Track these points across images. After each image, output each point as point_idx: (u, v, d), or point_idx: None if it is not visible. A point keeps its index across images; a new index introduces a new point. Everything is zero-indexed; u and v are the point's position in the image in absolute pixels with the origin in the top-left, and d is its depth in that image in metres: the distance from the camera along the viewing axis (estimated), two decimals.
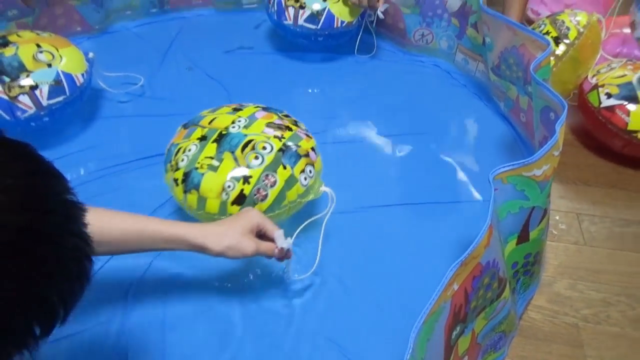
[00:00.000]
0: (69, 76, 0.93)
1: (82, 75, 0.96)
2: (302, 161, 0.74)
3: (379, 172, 0.96)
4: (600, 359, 0.72)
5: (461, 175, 0.96)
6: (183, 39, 1.33)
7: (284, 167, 0.72)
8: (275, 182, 0.71)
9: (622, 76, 0.98)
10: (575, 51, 0.98)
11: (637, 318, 0.77)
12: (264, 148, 0.73)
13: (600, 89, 0.99)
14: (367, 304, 0.74)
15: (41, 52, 0.91)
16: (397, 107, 1.12)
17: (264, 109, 0.82)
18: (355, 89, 1.18)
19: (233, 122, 0.76)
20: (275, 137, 0.75)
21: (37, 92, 0.88)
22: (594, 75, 1.02)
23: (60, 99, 0.91)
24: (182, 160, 0.73)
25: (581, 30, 0.99)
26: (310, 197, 0.75)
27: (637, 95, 0.95)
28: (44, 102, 0.89)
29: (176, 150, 0.75)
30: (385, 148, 1.02)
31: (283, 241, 0.66)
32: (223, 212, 0.71)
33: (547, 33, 1.01)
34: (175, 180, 0.73)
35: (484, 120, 1.08)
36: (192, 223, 0.64)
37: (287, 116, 0.82)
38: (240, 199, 0.70)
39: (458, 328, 0.58)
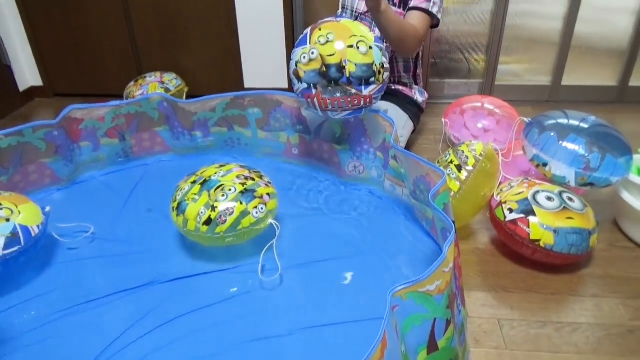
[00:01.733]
0: (25, 228, 1.04)
1: (38, 226, 1.07)
2: (256, 201, 1.09)
3: (313, 294, 1.05)
4: None
5: (375, 291, 1.04)
6: (145, 183, 1.48)
7: (241, 203, 1.07)
8: (232, 213, 1.05)
9: (520, 193, 1.14)
10: (477, 175, 1.14)
11: None
12: (230, 190, 1.08)
13: (503, 205, 1.14)
14: None
15: (1, 209, 1.04)
16: (334, 232, 1.24)
17: (241, 166, 1.17)
18: (299, 216, 1.31)
19: (215, 173, 1.13)
20: (240, 184, 1.10)
21: None
22: (498, 194, 1.18)
23: (15, 248, 1.02)
24: (178, 195, 1.12)
25: (478, 157, 1.17)
26: (261, 226, 1.10)
27: (533, 209, 1.10)
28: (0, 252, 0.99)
29: (177, 189, 1.15)
30: (322, 271, 1.12)
31: None
32: (197, 230, 1.06)
33: (451, 162, 1.18)
34: (173, 208, 1.11)
35: (413, 238, 1.20)
36: None
37: (257, 172, 1.17)
38: (209, 222, 1.05)
39: None
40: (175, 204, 1.11)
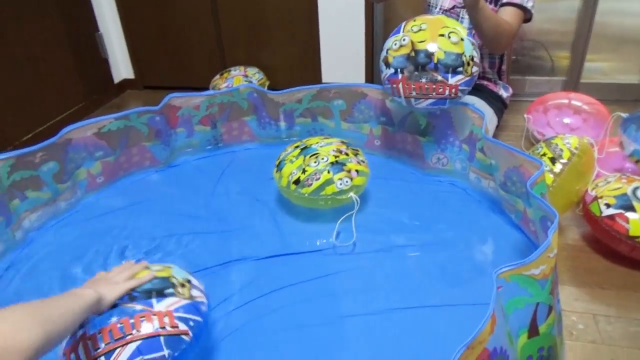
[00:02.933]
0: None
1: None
2: (343, 173, 1.19)
3: (400, 277, 1.08)
4: None
5: (477, 279, 1.06)
6: (234, 169, 1.56)
7: (328, 172, 1.18)
8: (318, 179, 1.17)
9: (618, 188, 1.11)
10: (571, 168, 1.12)
11: None
12: (323, 158, 1.21)
13: (599, 200, 1.11)
14: None
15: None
16: (417, 221, 1.26)
17: (342, 142, 1.29)
18: (382, 205, 1.34)
19: (317, 142, 1.28)
20: (334, 155, 1.21)
21: None
22: (593, 189, 1.15)
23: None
24: (282, 155, 1.30)
25: (574, 151, 1.15)
26: (343, 197, 1.19)
27: (633, 204, 1.06)
28: None
29: (283, 150, 1.32)
30: (406, 257, 1.14)
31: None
32: (287, 187, 1.21)
33: (544, 155, 1.17)
34: (275, 165, 1.29)
35: (499, 230, 1.20)
36: None
37: (355, 150, 1.28)
38: (297, 182, 1.20)
39: None
40: (277, 162, 1.29)
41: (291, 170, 1.22)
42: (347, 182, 1.20)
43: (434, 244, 1.17)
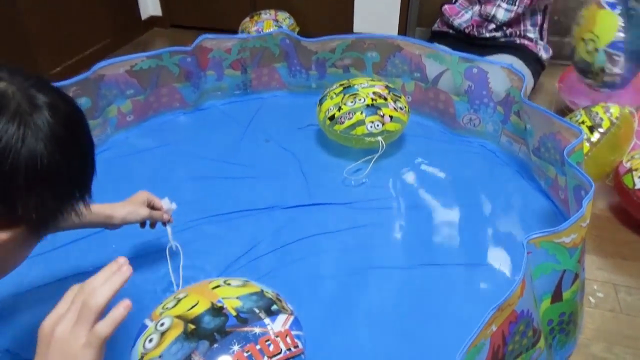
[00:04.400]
0: None
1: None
2: (375, 117, 1.24)
3: (425, 235, 1.09)
4: None
5: (502, 243, 1.07)
6: (262, 116, 1.56)
7: (361, 114, 1.23)
8: (351, 118, 1.24)
9: None
10: (609, 139, 1.10)
11: None
12: (360, 100, 1.25)
13: (634, 172, 1.10)
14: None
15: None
16: (445, 180, 1.26)
17: (386, 86, 1.31)
18: (410, 162, 1.34)
19: (360, 83, 1.31)
20: (371, 99, 1.25)
21: None
22: (628, 160, 1.13)
23: None
24: (325, 91, 1.36)
25: (614, 121, 1.12)
26: (370, 140, 1.24)
27: None
28: None
29: (331, 85, 1.38)
30: (432, 215, 1.15)
31: (169, 204, 0.92)
32: (324, 122, 1.29)
33: (582, 122, 1.14)
34: (319, 99, 1.35)
35: (526, 195, 1.20)
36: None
37: (397, 96, 1.30)
38: (332, 118, 1.27)
39: None
40: (321, 96, 1.37)
41: (329, 106, 1.30)
42: (378, 125, 1.24)
43: (460, 204, 1.18)
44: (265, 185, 1.26)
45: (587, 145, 1.12)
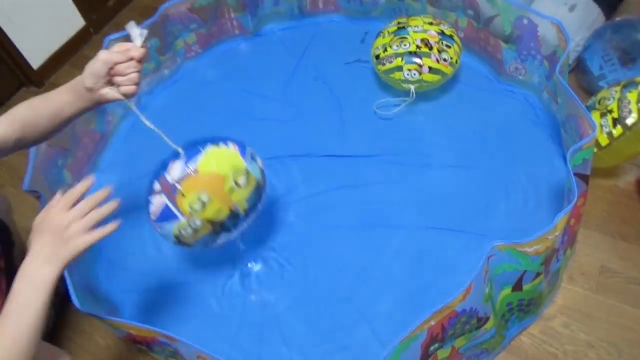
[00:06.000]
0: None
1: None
2: (414, 65, 1.29)
3: (427, 193, 1.22)
4: None
5: (503, 210, 1.17)
6: (315, 46, 1.62)
7: (401, 60, 1.30)
8: (391, 62, 1.31)
9: None
10: (634, 134, 1.07)
11: None
12: (406, 45, 1.30)
13: None
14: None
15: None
16: (475, 137, 1.31)
17: (440, 32, 1.32)
18: (445, 112, 1.39)
19: (416, 25, 1.33)
20: (417, 45, 1.28)
21: None
22: None
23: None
24: (384, 26, 1.41)
25: None
26: (405, 86, 1.33)
27: None
28: None
29: (391, 21, 1.42)
30: (450, 175, 1.25)
31: (135, 28, 0.77)
32: (372, 57, 1.38)
33: (610, 112, 1.10)
34: (379, 32, 1.41)
35: (548, 163, 1.23)
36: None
37: (448, 46, 1.31)
38: (377, 57, 1.35)
39: (436, 345, 0.88)
40: (379, 30, 1.42)
41: (379, 44, 1.37)
42: (414, 74, 1.30)
43: (483, 166, 1.25)
44: (305, 129, 1.40)
45: (606, 138, 1.09)
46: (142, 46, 0.78)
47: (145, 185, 0.88)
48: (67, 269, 0.90)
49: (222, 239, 0.92)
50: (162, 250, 1.20)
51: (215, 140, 0.91)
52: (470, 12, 1.41)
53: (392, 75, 1.33)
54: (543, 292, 1.01)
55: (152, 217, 0.87)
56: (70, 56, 1.85)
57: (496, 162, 1.26)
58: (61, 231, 0.64)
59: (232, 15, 1.60)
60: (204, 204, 0.84)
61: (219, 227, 0.88)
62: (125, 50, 0.77)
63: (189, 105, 1.53)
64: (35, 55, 1.73)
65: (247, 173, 0.89)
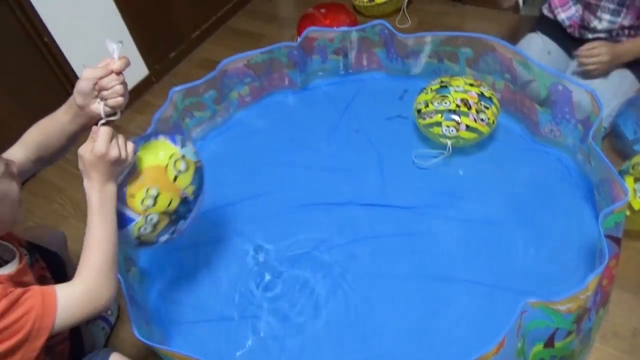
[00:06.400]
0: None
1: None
2: (451, 122, 1.38)
3: (458, 246, 1.27)
4: None
5: (535, 267, 1.20)
6: (359, 100, 1.74)
7: (441, 116, 1.39)
8: (431, 117, 1.41)
9: None
10: None
11: None
12: (445, 103, 1.39)
13: None
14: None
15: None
16: (510, 193, 1.37)
17: (480, 94, 1.40)
18: (481, 166, 1.46)
19: (457, 85, 1.42)
20: (456, 105, 1.38)
21: None
22: None
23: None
24: (428, 83, 1.51)
25: None
26: (442, 140, 1.41)
27: None
28: None
29: (435, 78, 1.52)
30: (482, 228, 1.30)
31: (111, 44, 0.81)
32: (415, 111, 1.48)
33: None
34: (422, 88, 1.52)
35: (581, 223, 1.27)
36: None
37: (487, 107, 1.39)
38: (419, 111, 1.45)
39: None
40: (424, 87, 1.51)
41: (421, 99, 1.47)
42: (452, 131, 1.38)
43: (517, 221, 1.30)
44: (346, 179, 1.49)
45: (638, 201, 1.13)
46: (120, 58, 0.82)
47: None
48: (129, 298, 1.00)
49: (181, 226, 0.99)
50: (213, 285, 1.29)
51: (145, 139, 0.97)
52: (507, 75, 1.50)
53: (431, 130, 1.42)
54: (575, 351, 1.03)
55: None
56: (134, 102, 2.03)
57: (529, 219, 1.30)
58: (112, 159, 0.78)
59: (284, 71, 1.74)
60: (154, 198, 0.91)
61: (174, 216, 0.96)
62: (105, 65, 0.81)
63: (238, 151, 1.65)
64: None
65: (184, 157, 0.96)
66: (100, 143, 0.75)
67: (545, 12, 1.62)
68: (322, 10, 2.01)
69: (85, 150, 0.77)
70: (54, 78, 1.77)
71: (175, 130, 1.55)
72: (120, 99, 0.83)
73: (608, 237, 0.98)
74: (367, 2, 2.14)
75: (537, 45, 1.53)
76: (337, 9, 2.05)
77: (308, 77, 1.80)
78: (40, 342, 0.73)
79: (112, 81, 0.81)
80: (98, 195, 0.79)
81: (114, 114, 0.84)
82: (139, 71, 2.03)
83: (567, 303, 0.91)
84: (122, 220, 0.91)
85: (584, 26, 1.47)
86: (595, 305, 1.03)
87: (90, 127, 0.85)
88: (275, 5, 2.52)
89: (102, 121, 0.78)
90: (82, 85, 0.81)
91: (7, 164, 0.78)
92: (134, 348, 1.26)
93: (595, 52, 1.39)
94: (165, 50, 2.12)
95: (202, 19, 2.28)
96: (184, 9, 2.15)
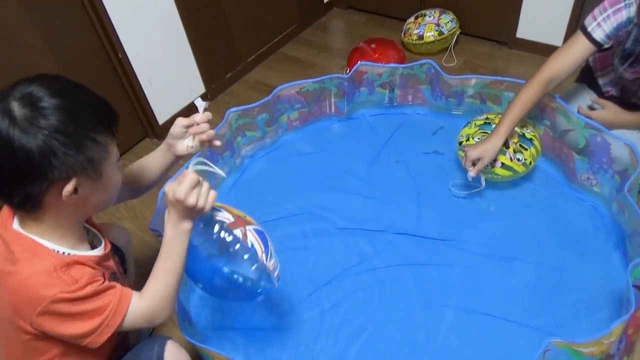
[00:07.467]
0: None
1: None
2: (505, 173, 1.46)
3: (486, 282, 1.31)
4: None
5: (562, 308, 1.24)
6: (401, 133, 1.82)
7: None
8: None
9: None
10: None
11: None
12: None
13: None
14: None
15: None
16: (546, 239, 1.40)
17: (521, 135, 1.48)
18: (515, 205, 1.51)
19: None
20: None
21: None
22: None
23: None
24: (474, 118, 1.60)
25: None
26: (492, 177, 1.49)
27: None
28: None
29: (482, 114, 1.61)
30: (510, 268, 1.34)
31: (200, 102, 1.12)
32: (457, 142, 1.57)
33: None
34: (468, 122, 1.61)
35: (611, 270, 1.30)
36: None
37: (522, 147, 1.46)
38: (460, 143, 1.55)
39: None
40: (470, 120, 1.60)
41: (465, 132, 1.56)
42: (487, 166, 1.44)
43: (545, 264, 1.34)
44: (383, 206, 1.57)
45: None
46: (204, 112, 1.07)
47: None
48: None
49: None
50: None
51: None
52: (547, 122, 1.56)
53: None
54: None
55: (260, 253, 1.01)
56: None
57: (559, 262, 1.34)
58: (189, 205, 0.85)
59: (332, 99, 1.85)
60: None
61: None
62: (191, 118, 1.05)
63: (282, 171, 1.75)
64: (163, 112, 2.06)
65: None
66: (181, 188, 0.83)
67: (591, 62, 1.67)
68: (373, 45, 2.12)
69: (169, 189, 0.85)
70: (122, 89, 1.93)
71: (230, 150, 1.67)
72: (208, 133, 1.06)
73: (636, 287, 1.02)
74: (415, 39, 2.24)
75: (580, 97, 1.58)
76: (387, 45, 2.15)
77: (354, 106, 1.90)
78: (104, 337, 0.82)
79: (203, 125, 1.05)
80: (171, 231, 0.87)
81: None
82: (197, 89, 2.18)
83: (591, 346, 0.95)
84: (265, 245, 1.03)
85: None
86: (619, 352, 1.06)
87: (173, 163, 1.11)
88: (328, 36, 2.65)
89: (191, 169, 0.90)
90: (177, 130, 1.05)
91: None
92: None
93: (596, 115, 1.40)
94: (222, 71, 2.27)
95: (259, 44, 2.42)
96: (243, 34, 2.30)
